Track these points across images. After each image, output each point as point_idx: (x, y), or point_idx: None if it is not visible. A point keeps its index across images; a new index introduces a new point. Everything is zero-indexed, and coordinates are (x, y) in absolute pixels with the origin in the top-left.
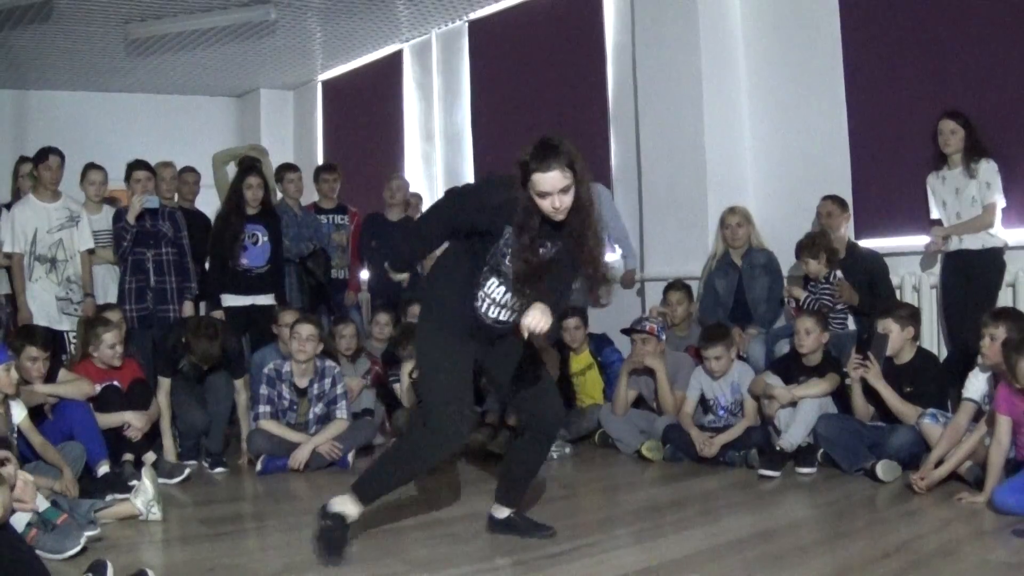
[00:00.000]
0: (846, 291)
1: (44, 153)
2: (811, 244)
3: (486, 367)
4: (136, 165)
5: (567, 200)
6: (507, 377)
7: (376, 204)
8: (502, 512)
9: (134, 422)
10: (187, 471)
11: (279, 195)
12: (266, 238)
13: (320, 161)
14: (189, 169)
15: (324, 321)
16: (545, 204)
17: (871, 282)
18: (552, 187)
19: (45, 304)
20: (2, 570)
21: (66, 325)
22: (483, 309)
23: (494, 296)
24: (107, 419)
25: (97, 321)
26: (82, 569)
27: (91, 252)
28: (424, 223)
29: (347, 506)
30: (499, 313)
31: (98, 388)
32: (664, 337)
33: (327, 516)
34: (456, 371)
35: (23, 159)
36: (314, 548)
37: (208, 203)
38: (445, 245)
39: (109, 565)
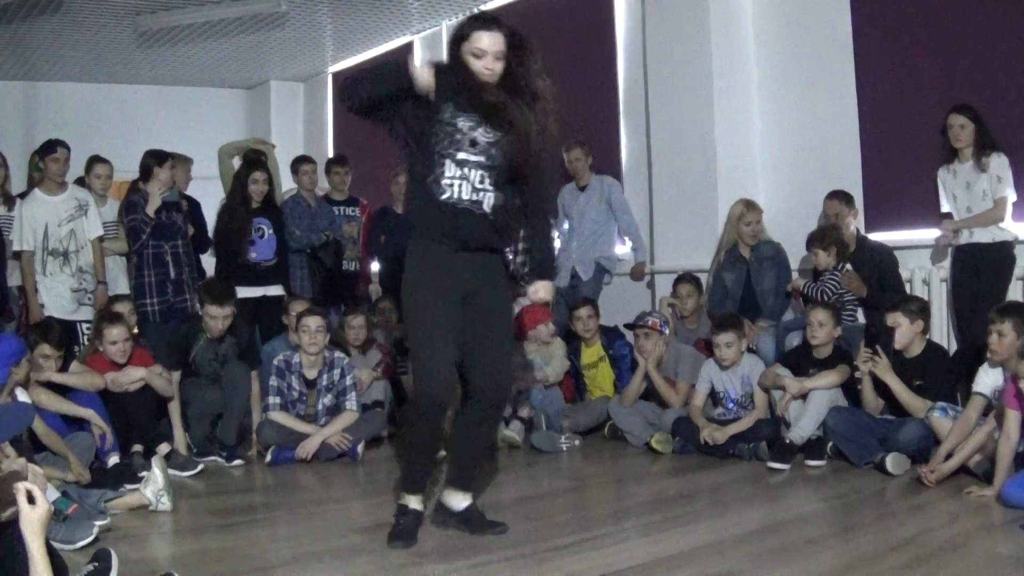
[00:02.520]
0: (853, 282)
1: (52, 145)
2: (821, 236)
3: (467, 303)
4: (163, 157)
5: (499, 67)
6: (474, 325)
7: (386, 197)
8: (460, 501)
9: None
10: (200, 466)
11: (294, 186)
12: (271, 231)
13: (330, 153)
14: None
15: (335, 313)
16: (478, 64)
17: (880, 275)
18: (490, 46)
19: (60, 296)
20: (19, 562)
21: (81, 315)
22: (454, 196)
23: (458, 174)
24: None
25: (106, 317)
26: (91, 559)
27: (101, 240)
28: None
29: (407, 500)
30: (472, 192)
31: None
32: (667, 331)
33: (396, 513)
34: (440, 332)
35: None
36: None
37: (210, 194)
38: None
39: (113, 554)
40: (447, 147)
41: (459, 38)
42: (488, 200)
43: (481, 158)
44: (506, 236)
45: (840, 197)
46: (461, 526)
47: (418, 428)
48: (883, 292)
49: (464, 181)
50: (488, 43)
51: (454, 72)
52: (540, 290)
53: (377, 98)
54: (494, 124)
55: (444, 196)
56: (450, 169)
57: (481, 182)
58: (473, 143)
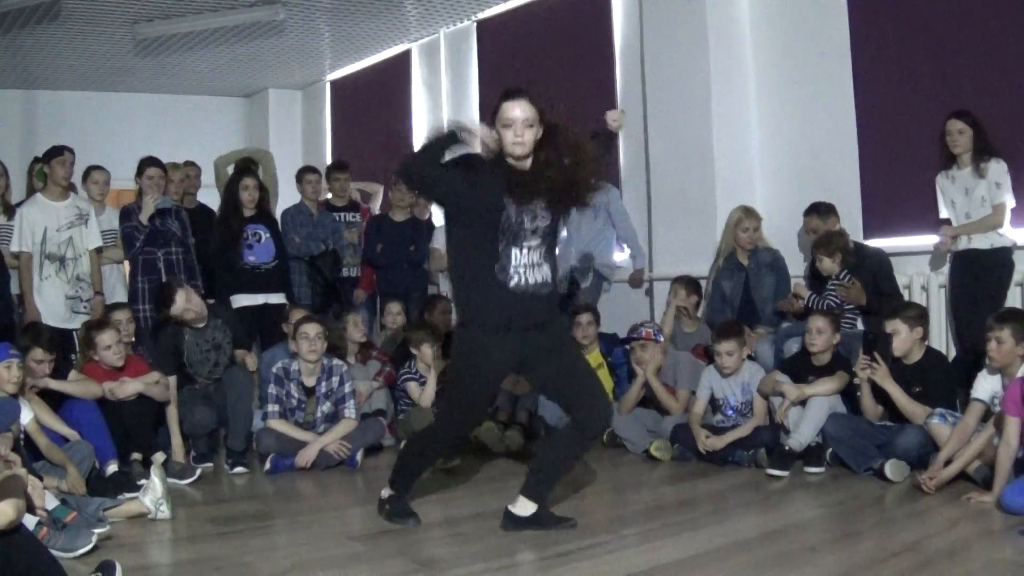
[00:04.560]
0: (853, 292)
1: (59, 149)
2: (827, 242)
3: (530, 366)
4: (149, 162)
5: (529, 136)
6: (553, 371)
7: (384, 204)
8: (527, 508)
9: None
10: (198, 471)
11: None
12: (268, 235)
13: (329, 161)
14: (190, 163)
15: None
16: (508, 135)
17: (876, 280)
18: (515, 116)
19: (53, 303)
20: (20, 571)
21: (75, 324)
22: (522, 282)
23: (524, 262)
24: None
25: (93, 325)
26: (92, 568)
27: (99, 251)
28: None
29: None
30: (537, 274)
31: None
32: (662, 338)
33: (384, 501)
34: (479, 396)
35: (37, 160)
36: (392, 521)
37: (213, 200)
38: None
39: (118, 566)
40: (514, 239)
41: (493, 113)
42: (547, 273)
43: (538, 240)
44: (557, 301)
45: (816, 211)
46: (531, 527)
47: (436, 444)
48: (880, 296)
49: (529, 268)
50: (516, 113)
51: (497, 162)
52: None
53: (434, 173)
54: (547, 204)
55: (513, 283)
56: (516, 257)
57: (540, 259)
58: (534, 231)
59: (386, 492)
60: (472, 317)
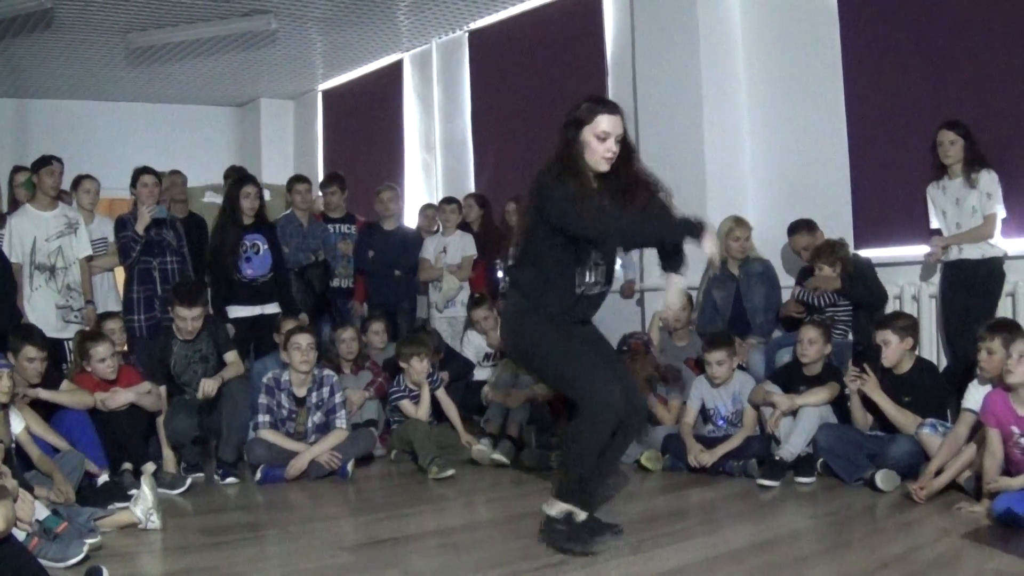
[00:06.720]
0: (822, 281)
1: (47, 159)
2: (829, 251)
3: None
4: (143, 171)
5: (617, 149)
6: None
7: (374, 213)
8: (579, 515)
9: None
10: (188, 481)
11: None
12: (266, 247)
13: (320, 170)
14: (175, 172)
15: (327, 330)
16: (601, 148)
17: (865, 280)
18: (614, 128)
19: (45, 313)
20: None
21: (67, 333)
22: (590, 287)
23: (593, 275)
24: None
25: (88, 336)
26: None
27: (89, 259)
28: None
29: (559, 507)
30: (597, 274)
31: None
32: (653, 349)
33: (554, 520)
34: (584, 353)
35: (17, 168)
36: (565, 549)
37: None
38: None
39: (105, 572)
40: (591, 255)
41: (579, 121)
42: (603, 274)
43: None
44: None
45: (805, 227)
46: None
47: (596, 437)
48: (868, 290)
49: (592, 272)
50: (611, 125)
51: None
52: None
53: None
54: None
55: (580, 290)
56: (589, 269)
57: (599, 263)
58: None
59: (560, 508)
60: (539, 308)
